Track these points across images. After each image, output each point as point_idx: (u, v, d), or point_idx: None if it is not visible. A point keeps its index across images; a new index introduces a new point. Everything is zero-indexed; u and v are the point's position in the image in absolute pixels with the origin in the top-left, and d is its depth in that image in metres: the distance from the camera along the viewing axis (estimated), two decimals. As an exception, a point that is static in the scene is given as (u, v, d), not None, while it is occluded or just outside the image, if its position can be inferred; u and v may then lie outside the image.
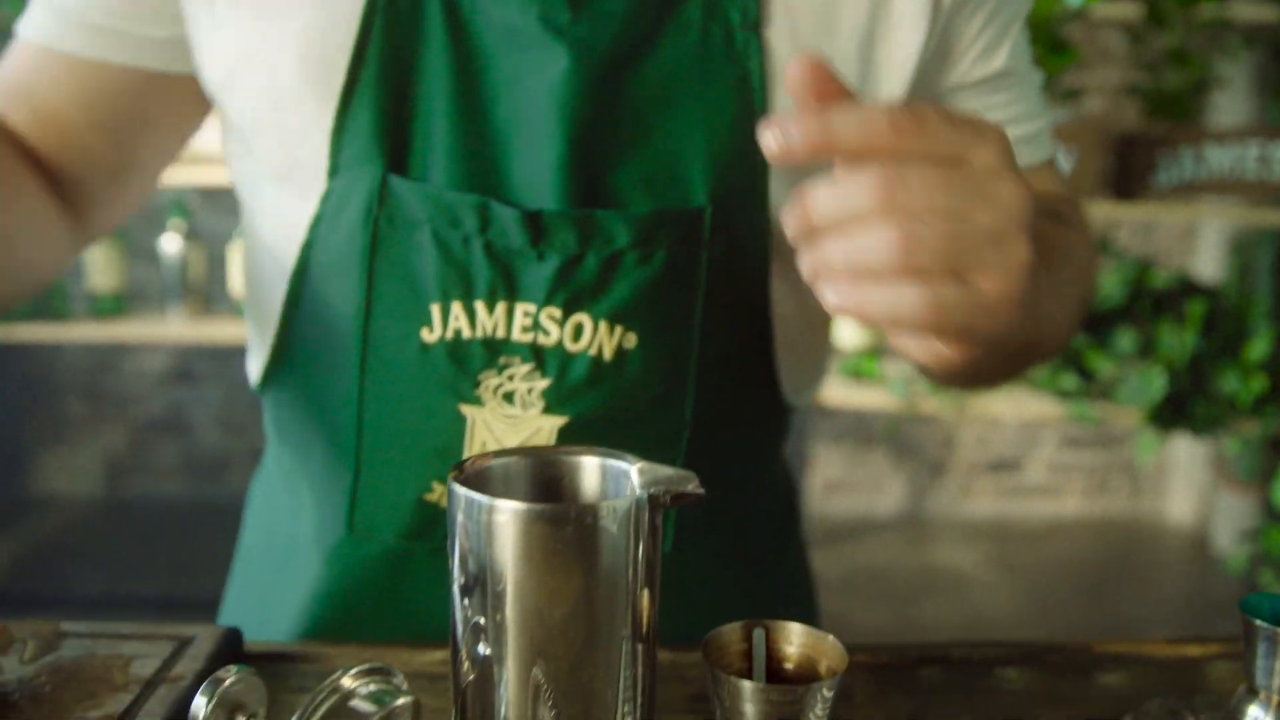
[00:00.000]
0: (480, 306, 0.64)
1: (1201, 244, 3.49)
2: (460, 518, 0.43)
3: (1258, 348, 2.51)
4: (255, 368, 0.78)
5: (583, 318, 0.64)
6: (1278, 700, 0.53)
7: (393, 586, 0.71)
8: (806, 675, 0.48)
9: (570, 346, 0.64)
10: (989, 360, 0.52)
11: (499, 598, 0.42)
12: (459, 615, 0.44)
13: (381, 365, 0.66)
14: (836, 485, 3.62)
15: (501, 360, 0.65)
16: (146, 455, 3.47)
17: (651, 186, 0.65)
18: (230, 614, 0.84)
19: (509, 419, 0.65)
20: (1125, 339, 2.58)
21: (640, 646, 0.45)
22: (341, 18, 0.64)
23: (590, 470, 0.47)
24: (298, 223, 0.67)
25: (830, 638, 0.48)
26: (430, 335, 0.65)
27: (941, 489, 3.64)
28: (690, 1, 0.65)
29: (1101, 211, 2.58)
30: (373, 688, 0.43)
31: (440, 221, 0.63)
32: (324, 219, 0.66)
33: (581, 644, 0.43)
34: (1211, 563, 3.31)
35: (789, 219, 0.45)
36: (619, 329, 0.65)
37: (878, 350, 2.67)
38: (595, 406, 0.65)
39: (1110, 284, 2.66)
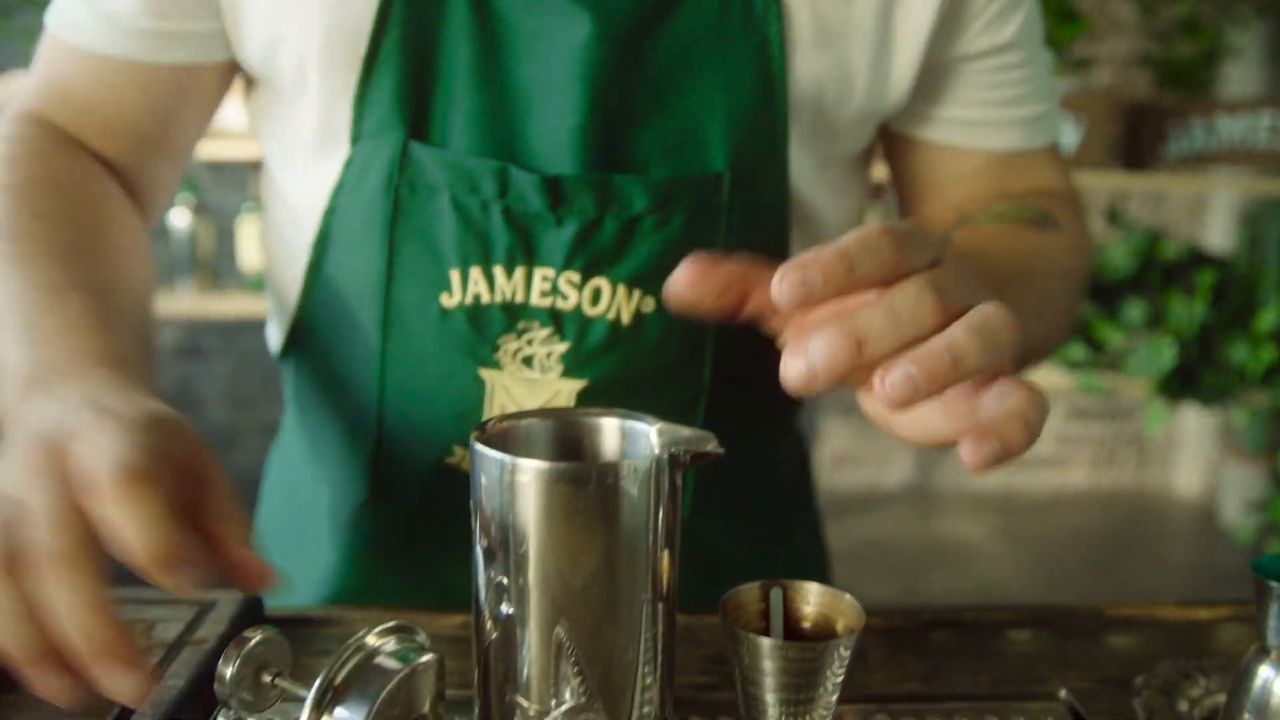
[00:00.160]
0: (499, 271, 0.64)
1: (1211, 214, 3.47)
2: (483, 478, 0.43)
3: (1267, 318, 2.50)
4: (275, 336, 0.79)
5: (601, 282, 0.65)
6: (1289, 659, 0.53)
7: (414, 550, 0.72)
8: (823, 635, 0.49)
9: (589, 311, 0.65)
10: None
11: (521, 557, 0.43)
12: (481, 575, 0.45)
13: (402, 330, 0.67)
14: (845, 458, 3.63)
15: (520, 325, 0.65)
16: (157, 430, 3.48)
17: (670, 152, 0.65)
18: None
19: (528, 382, 0.66)
20: (1134, 310, 2.57)
21: (661, 605, 0.45)
22: None
23: (610, 431, 0.48)
24: (321, 190, 0.68)
25: (847, 596, 0.48)
26: (450, 300, 0.65)
27: (949, 462, 3.65)
28: None
29: (1111, 182, 2.57)
30: (397, 646, 0.43)
31: (460, 187, 0.64)
32: (346, 186, 0.67)
33: (603, 603, 0.43)
34: (1218, 535, 3.32)
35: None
36: (637, 293, 0.65)
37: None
38: (613, 370, 0.66)
39: (1120, 255, 2.66)
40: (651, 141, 0.65)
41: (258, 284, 2.62)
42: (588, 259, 0.64)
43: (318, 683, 0.40)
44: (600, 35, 0.62)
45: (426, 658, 0.43)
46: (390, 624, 0.44)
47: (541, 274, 0.64)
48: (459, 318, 0.65)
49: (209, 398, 3.47)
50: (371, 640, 0.42)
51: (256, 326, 3.13)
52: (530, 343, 0.65)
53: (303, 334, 0.74)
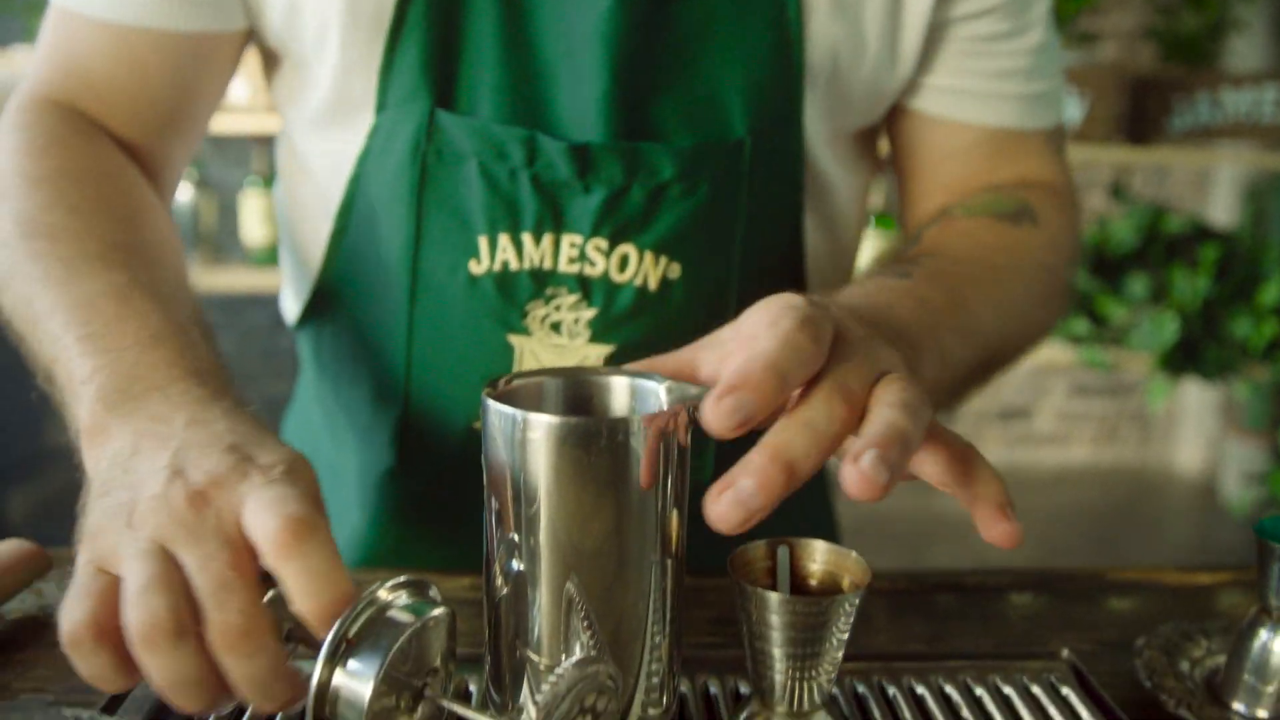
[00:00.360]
0: (527, 238, 0.65)
1: (1215, 189, 3.47)
2: (494, 433, 0.44)
3: (1270, 292, 2.50)
4: (292, 305, 0.79)
5: (629, 249, 0.65)
6: (1290, 618, 0.54)
7: (442, 516, 0.73)
8: (830, 592, 0.49)
9: (616, 277, 0.66)
10: None
11: (531, 512, 0.43)
12: (492, 530, 0.45)
13: (430, 297, 0.67)
14: (846, 433, 3.64)
15: (549, 291, 0.66)
16: (161, 405, 3.48)
17: (692, 119, 0.66)
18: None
19: (556, 348, 0.67)
20: (1138, 284, 2.57)
21: (670, 562, 0.46)
22: None
23: (620, 389, 0.48)
24: (344, 158, 0.68)
25: (853, 554, 0.49)
26: (478, 267, 0.66)
27: (951, 437, 3.65)
28: None
29: (1115, 156, 2.56)
30: (409, 600, 0.44)
31: (487, 155, 0.64)
32: (372, 154, 0.67)
33: (614, 558, 0.44)
34: (1219, 511, 3.33)
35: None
36: (664, 259, 0.66)
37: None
38: (640, 335, 0.67)
39: (1123, 229, 2.65)
40: (674, 109, 0.65)
41: (260, 259, 2.62)
42: (615, 226, 0.65)
43: (330, 635, 0.40)
44: (624, 4, 0.62)
45: (438, 611, 0.43)
46: (402, 579, 0.44)
47: (569, 241, 0.65)
48: (487, 284, 0.66)
49: (212, 373, 3.47)
50: (384, 594, 0.43)
51: (259, 301, 3.13)
52: (558, 309, 0.66)
53: (325, 302, 0.74)
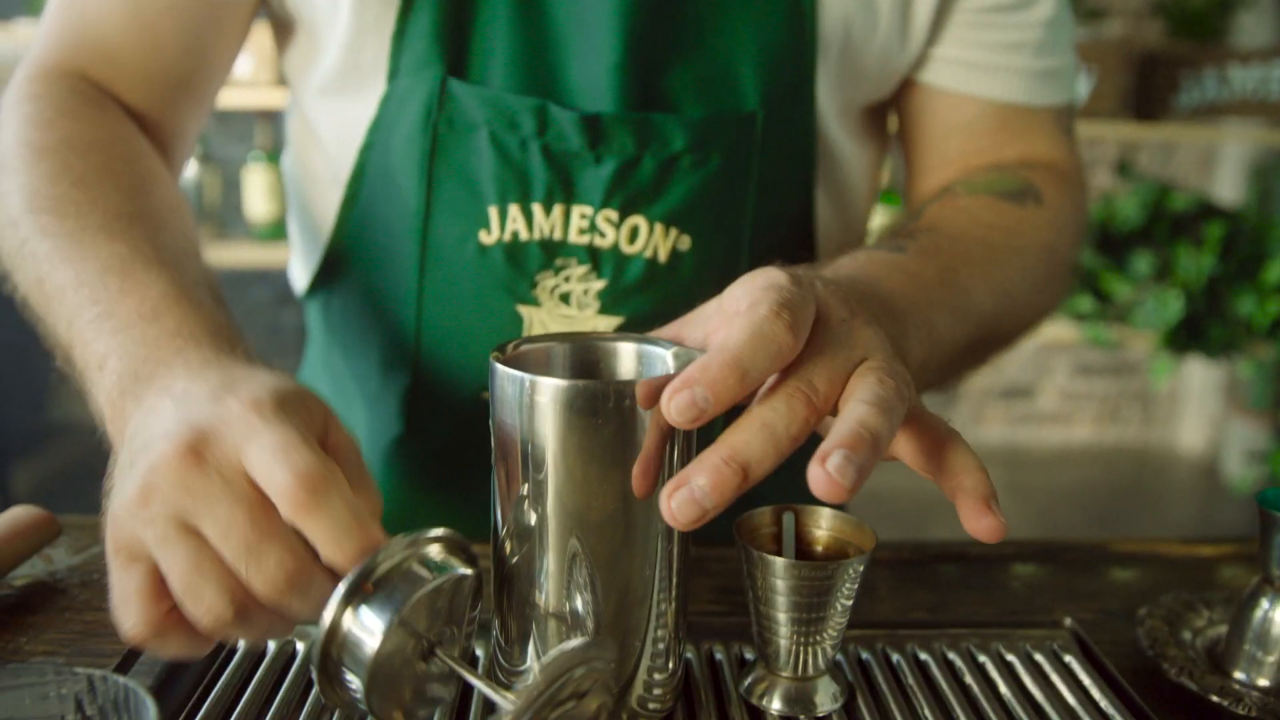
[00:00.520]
0: (538, 209, 0.65)
1: (1221, 167, 3.45)
2: (502, 397, 0.44)
3: (1275, 271, 2.50)
4: (302, 274, 0.79)
5: (639, 220, 0.65)
6: (1292, 587, 0.54)
7: (450, 483, 0.73)
8: (835, 558, 0.49)
9: (626, 248, 0.66)
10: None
11: (539, 476, 0.43)
12: (500, 495, 0.46)
13: (440, 266, 0.67)
14: (849, 411, 3.64)
15: (558, 261, 0.66)
16: (165, 381, 3.48)
17: (705, 91, 0.65)
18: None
19: (565, 319, 0.67)
20: (1142, 261, 2.57)
21: (675, 529, 0.46)
22: None
23: (627, 354, 0.48)
24: (355, 126, 0.68)
25: (858, 521, 0.49)
26: (488, 237, 0.65)
27: (953, 415, 3.65)
28: None
29: (1122, 133, 2.55)
30: (440, 555, 0.42)
31: (499, 124, 0.64)
32: (383, 122, 0.67)
33: (621, 524, 0.44)
34: (1221, 491, 3.33)
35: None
36: (674, 231, 0.66)
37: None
38: (649, 307, 0.66)
39: (1128, 206, 2.64)
40: (687, 80, 0.65)
41: (264, 234, 2.62)
42: (626, 197, 0.64)
43: (349, 578, 0.39)
44: None
45: (464, 571, 0.42)
46: (440, 532, 0.42)
47: (580, 211, 0.65)
48: (497, 254, 0.66)
49: (216, 348, 3.47)
50: (410, 547, 0.41)
51: (263, 276, 3.13)
52: (568, 279, 0.66)
53: (335, 270, 0.75)
